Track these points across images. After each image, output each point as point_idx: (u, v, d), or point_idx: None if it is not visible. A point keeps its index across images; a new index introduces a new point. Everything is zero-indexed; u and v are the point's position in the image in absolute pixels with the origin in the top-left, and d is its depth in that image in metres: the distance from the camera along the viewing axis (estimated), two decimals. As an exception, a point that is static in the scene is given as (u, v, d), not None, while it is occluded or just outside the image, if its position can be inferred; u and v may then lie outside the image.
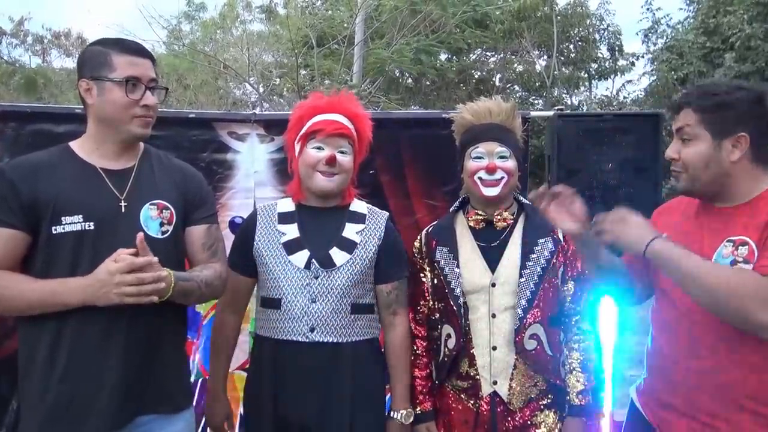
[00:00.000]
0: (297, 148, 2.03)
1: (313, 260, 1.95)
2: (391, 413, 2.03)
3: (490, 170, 1.99)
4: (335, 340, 1.94)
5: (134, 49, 1.78)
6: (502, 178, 2.00)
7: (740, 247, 1.55)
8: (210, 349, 2.12)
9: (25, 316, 1.70)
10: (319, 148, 1.96)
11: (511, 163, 2.01)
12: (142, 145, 1.88)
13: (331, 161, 1.95)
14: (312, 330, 1.92)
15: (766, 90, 1.63)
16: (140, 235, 1.61)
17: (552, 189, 1.77)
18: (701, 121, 1.61)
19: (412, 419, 2.03)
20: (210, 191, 1.99)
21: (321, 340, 1.93)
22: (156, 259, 1.61)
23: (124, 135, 1.76)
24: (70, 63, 17.60)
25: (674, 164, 1.67)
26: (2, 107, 2.63)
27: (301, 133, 2.01)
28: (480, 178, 2.00)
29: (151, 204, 1.77)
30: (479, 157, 2.02)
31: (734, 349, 1.55)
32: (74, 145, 1.81)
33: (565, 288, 2.03)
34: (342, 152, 1.98)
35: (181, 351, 1.90)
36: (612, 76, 14.60)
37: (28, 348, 1.71)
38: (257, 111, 2.86)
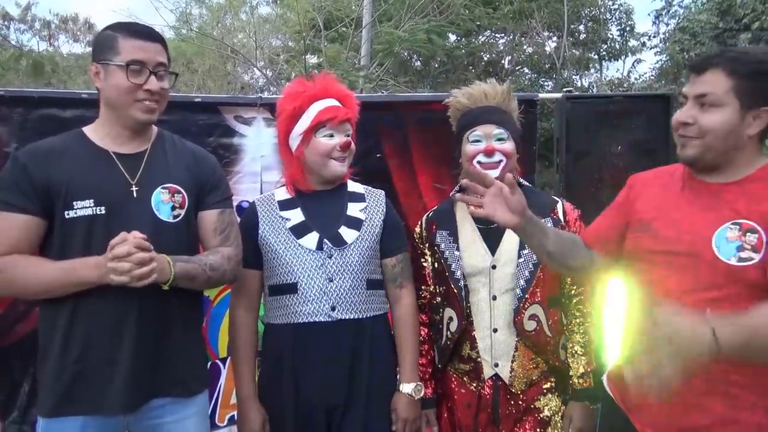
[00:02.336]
0: (299, 139, 2.02)
1: (325, 240, 1.97)
2: (400, 386, 2.03)
3: (489, 153, 1.99)
4: (357, 317, 1.96)
5: (141, 32, 1.77)
6: (501, 160, 1.99)
7: (748, 234, 1.47)
8: (231, 354, 2.08)
9: (44, 300, 1.73)
10: (330, 135, 1.99)
11: (509, 145, 2.01)
12: (155, 128, 1.88)
13: (347, 147, 2.00)
14: (333, 309, 1.94)
15: None
16: (135, 233, 1.60)
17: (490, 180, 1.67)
18: (733, 88, 1.49)
19: (422, 393, 2.04)
20: (223, 175, 1.99)
21: (343, 317, 1.94)
22: (147, 244, 1.59)
23: (127, 120, 1.76)
24: (78, 48, 17.61)
25: (685, 130, 1.55)
26: (9, 92, 2.63)
27: (307, 124, 2.00)
28: (479, 162, 2.00)
29: (162, 188, 1.78)
30: (477, 141, 2.01)
31: None
32: (88, 129, 1.82)
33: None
34: (348, 135, 2.02)
35: (194, 335, 1.90)
36: (623, 57, 14.44)
37: (46, 330, 1.73)
38: (263, 95, 2.84)
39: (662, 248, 1.60)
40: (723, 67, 1.50)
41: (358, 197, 2.10)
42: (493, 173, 1.99)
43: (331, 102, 2.02)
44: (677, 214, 1.60)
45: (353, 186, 2.13)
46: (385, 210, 2.10)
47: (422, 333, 2.13)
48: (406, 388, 2.02)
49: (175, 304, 1.76)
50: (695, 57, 10.64)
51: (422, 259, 2.15)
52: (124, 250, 1.56)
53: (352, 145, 2.03)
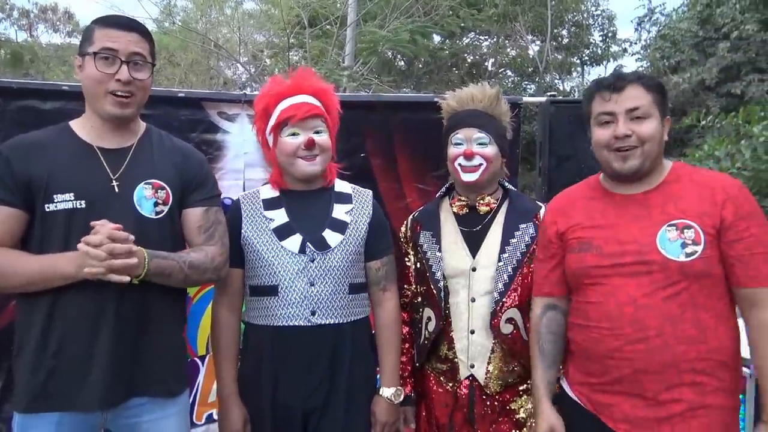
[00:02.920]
0: (270, 138, 2.00)
1: (308, 243, 1.93)
2: (380, 390, 2.01)
3: (468, 156, 2.00)
4: (337, 321, 1.93)
5: (115, 22, 1.74)
6: (481, 164, 2.00)
7: (685, 231, 1.66)
8: (213, 353, 2.05)
9: (22, 294, 1.71)
10: (294, 134, 1.94)
11: (490, 150, 2.01)
12: (143, 124, 1.86)
13: (311, 145, 1.92)
14: (313, 313, 1.91)
15: None
16: (109, 224, 1.58)
17: None
18: (653, 100, 1.72)
19: (401, 398, 2.03)
20: (210, 173, 1.95)
21: (323, 322, 1.92)
22: (123, 234, 1.58)
23: (101, 112, 1.73)
24: (57, 38, 17.36)
25: (625, 142, 1.70)
26: (-13, 82, 2.58)
27: (271, 123, 1.98)
28: (460, 164, 2.01)
29: (146, 183, 1.75)
30: (459, 143, 2.02)
31: (676, 327, 1.64)
32: (74, 123, 1.80)
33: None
34: (317, 132, 1.95)
35: (175, 335, 1.87)
36: (604, 63, 14.60)
37: (23, 325, 1.71)
38: (247, 92, 2.82)
39: (609, 262, 1.72)
40: (639, 83, 1.72)
41: (345, 198, 2.04)
42: (472, 177, 2.01)
43: (298, 99, 1.96)
44: (612, 229, 1.74)
45: (341, 186, 2.08)
46: (371, 212, 2.05)
47: (403, 331, 2.13)
48: (386, 392, 2.00)
49: (155, 301, 1.74)
50: (674, 64, 10.76)
51: (406, 259, 2.16)
52: (97, 239, 1.54)
53: (322, 142, 1.95)
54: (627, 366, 1.68)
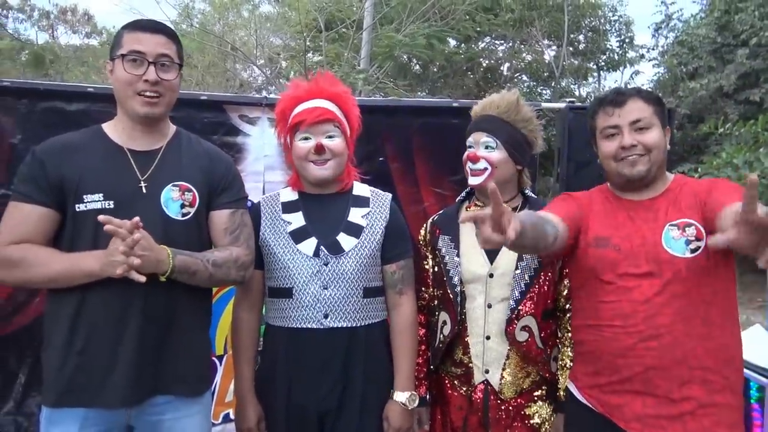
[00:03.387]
0: (288, 140, 2.03)
1: (322, 247, 1.95)
2: (393, 395, 2.00)
3: (472, 159, 2.02)
4: (350, 325, 1.94)
5: (143, 25, 1.79)
6: (486, 168, 2.01)
7: (687, 228, 1.73)
8: (232, 352, 2.08)
9: (51, 291, 1.74)
10: (306, 138, 1.96)
11: (496, 154, 2.01)
12: (173, 127, 1.89)
13: (320, 150, 1.94)
14: (326, 316, 1.93)
15: None
16: (136, 219, 1.59)
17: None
18: (654, 112, 1.82)
19: (416, 403, 2.03)
20: (238, 176, 1.98)
21: (335, 325, 1.93)
22: (139, 233, 1.58)
23: (131, 114, 1.77)
24: (76, 39, 17.55)
25: (631, 151, 1.80)
26: (15, 84, 2.63)
27: (287, 127, 2.01)
28: (468, 168, 2.04)
29: (173, 185, 1.78)
30: (470, 147, 2.06)
31: (687, 324, 1.68)
32: (106, 126, 1.84)
33: (562, 284, 2.04)
34: (330, 137, 1.96)
35: (200, 335, 1.90)
36: (621, 68, 14.51)
37: (51, 321, 1.75)
38: (264, 94, 2.85)
39: (626, 262, 1.78)
40: (638, 96, 1.83)
41: (362, 202, 2.05)
42: (477, 180, 2.02)
43: (312, 103, 1.98)
44: (626, 229, 1.81)
45: (359, 189, 2.09)
46: (388, 216, 2.05)
47: (419, 333, 2.13)
48: (400, 396, 1.99)
49: (181, 300, 1.77)
50: (692, 70, 10.68)
51: (424, 262, 2.17)
52: (123, 233, 1.56)
53: (333, 147, 1.96)
54: (638, 364, 1.71)
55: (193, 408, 1.82)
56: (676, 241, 1.73)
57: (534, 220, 1.67)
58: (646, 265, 1.74)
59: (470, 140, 2.05)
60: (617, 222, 1.84)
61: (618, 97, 1.84)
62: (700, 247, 1.70)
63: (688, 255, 1.71)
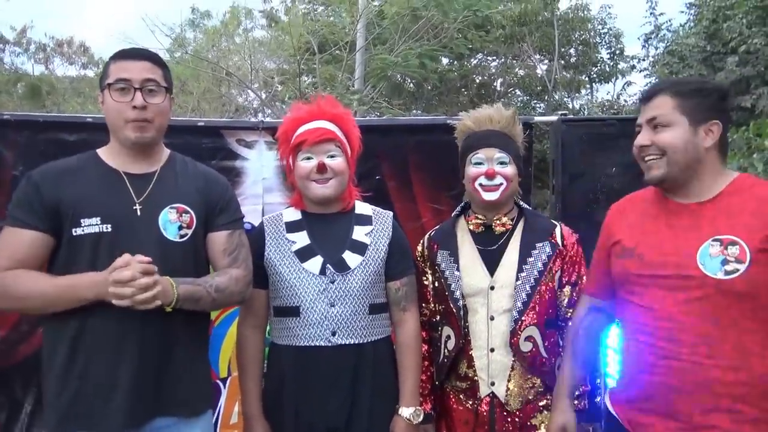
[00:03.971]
0: (290, 161, 2.06)
1: (328, 265, 1.96)
2: (399, 410, 2.00)
3: (489, 175, 2.03)
4: (357, 342, 1.96)
5: (127, 54, 1.82)
6: (501, 183, 2.03)
7: (730, 247, 1.55)
8: (238, 372, 2.09)
9: (48, 317, 1.74)
10: (308, 158, 1.99)
11: (510, 169, 2.04)
12: (167, 151, 1.91)
13: (321, 169, 1.97)
14: (334, 334, 1.94)
15: (730, 87, 1.69)
16: (139, 257, 1.61)
17: None
18: (678, 107, 1.64)
19: (421, 418, 2.03)
20: (234, 197, 2.00)
21: (343, 342, 1.94)
22: (152, 267, 1.61)
23: (124, 141, 1.79)
24: (73, 71, 17.69)
25: (646, 152, 1.69)
26: (16, 117, 2.67)
27: (289, 147, 2.04)
28: (480, 184, 2.04)
29: (170, 207, 1.79)
30: (479, 163, 2.05)
31: (712, 348, 1.56)
32: (101, 151, 1.86)
33: (562, 293, 2.06)
34: (332, 156, 1.99)
35: (198, 356, 1.90)
36: (613, 80, 14.64)
37: (49, 346, 1.75)
38: (260, 117, 2.90)
39: (650, 272, 1.66)
40: (667, 91, 1.67)
41: (365, 220, 2.07)
42: (493, 196, 2.04)
43: (314, 124, 2.01)
44: (658, 237, 1.68)
45: (361, 208, 2.11)
46: (391, 233, 2.07)
47: (422, 349, 2.13)
48: (405, 412, 1.99)
49: (179, 323, 1.77)
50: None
51: (423, 278, 2.17)
52: (128, 275, 1.57)
53: (335, 166, 1.98)
54: (660, 383, 1.63)
55: (195, 427, 1.83)
56: (713, 258, 1.56)
57: (589, 357, 1.86)
58: (673, 278, 1.61)
59: (480, 156, 2.05)
60: (648, 229, 1.72)
61: (648, 92, 1.73)
62: (738, 270, 1.53)
63: (721, 276, 1.54)
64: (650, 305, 1.66)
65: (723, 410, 1.55)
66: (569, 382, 1.88)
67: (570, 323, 2.00)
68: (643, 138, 1.69)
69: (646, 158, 1.69)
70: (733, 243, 1.55)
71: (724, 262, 1.55)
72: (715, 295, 1.55)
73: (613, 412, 1.80)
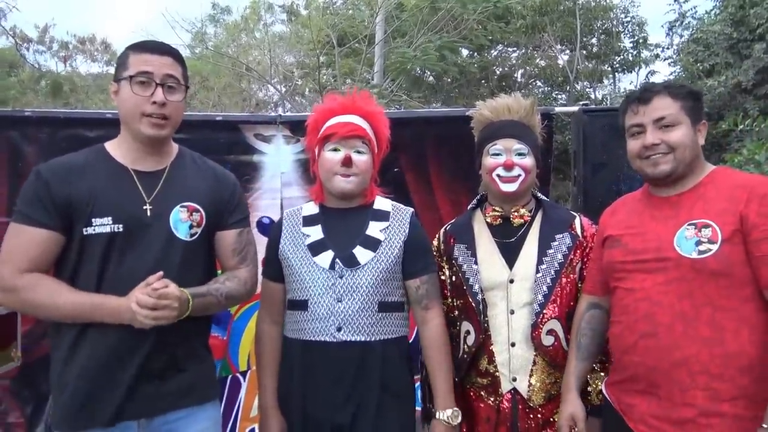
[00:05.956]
0: (316, 151, 2.05)
1: (337, 260, 1.95)
2: (436, 414, 1.97)
3: (508, 167, 2.00)
4: (363, 339, 1.93)
5: (149, 47, 1.79)
6: (519, 175, 2.00)
7: (703, 229, 1.68)
8: (256, 365, 2.10)
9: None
10: (335, 150, 1.98)
11: (528, 161, 2.02)
12: (176, 146, 1.90)
13: (347, 162, 1.96)
14: (339, 329, 1.93)
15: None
16: (160, 274, 1.62)
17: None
18: (682, 108, 1.78)
19: (459, 419, 1.98)
20: (242, 195, 2.00)
21: (348, 339, 1.92)
22: (171, 286, 1.62)
23: (138, 135, 1.77)
24: (96, 68, 17.92)
25: (654, 149, 1.78)
26: (36, 113, 2.70)
27: (318, 138, 2.03)
28: (498, 175, 2.01)
29: (181, 206, 1.79)
30: (497, 154, 2.02)
31: (688, 326, 1.64)
32: (109, 146, 1.84)
33: (582, 284, 2.02)
34: (358, 152, 1.99)
35: (202, 348, 1.92)
36: (636, 69, 14.40)
37: (54, 343, 1.77)
38: (280, 111, 2.90)
39: (632, 258, 1.78)
40: (666, 93, 1.79)
41: (382, 216, 2.04)
42: (512, 187, 2.01)
43: (346, 118, 2.00)
44: (642, 228, 1.81)
45: (380, 203, 2.08)
46: (407, 230, 2.03)
47: (449, 347, 2.07)
48: (443, 414, 1.95)
49: (182, 324, 1.73)
50: (708, 68, 10.56)
51: (440, 272, 2.14)
52: (150, 302, 1.58)
53: (360, 162, 1.97)
54: (641, 363, 1.71)
55: (203, 422, 1.84)
56: (688, 240, 1.68)
57: (592, 350, 1.94)
58: (652, 261, 1.73)
59: (498, 147, 2.02)
60: (633, 221, 1.84)
61: (644, 94, 1.81)
62: (711, 250, 1.64)
63: (695, 256, 1.65)
64: (632, 287, 1.76)
65: (700, 387, 1.62)
66: (574, 375, 1.93)
67: (569, 337, 1.99)
68: (653, 137, 1.77)
69: (652, 156, 1.78)
70: (707, 225, 1.68)
71: (698, 243, 1.67)
72: (690, 274, 1.66)
73: (607, 395, 1.86)
